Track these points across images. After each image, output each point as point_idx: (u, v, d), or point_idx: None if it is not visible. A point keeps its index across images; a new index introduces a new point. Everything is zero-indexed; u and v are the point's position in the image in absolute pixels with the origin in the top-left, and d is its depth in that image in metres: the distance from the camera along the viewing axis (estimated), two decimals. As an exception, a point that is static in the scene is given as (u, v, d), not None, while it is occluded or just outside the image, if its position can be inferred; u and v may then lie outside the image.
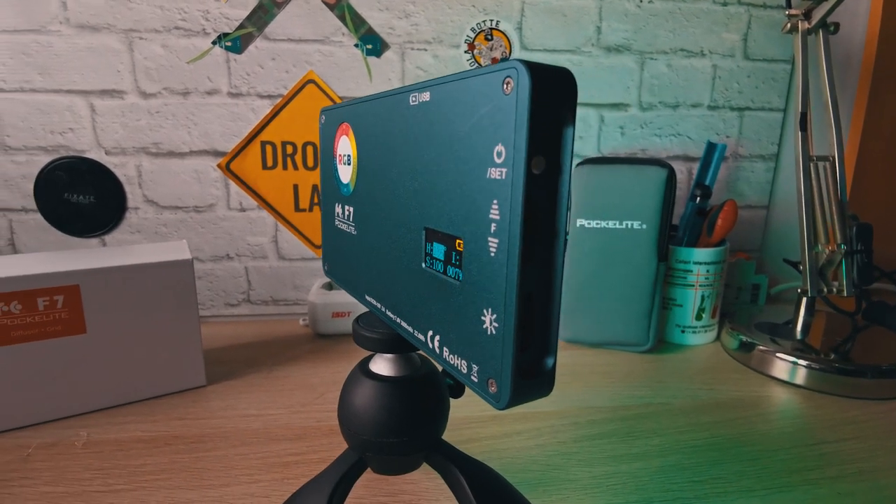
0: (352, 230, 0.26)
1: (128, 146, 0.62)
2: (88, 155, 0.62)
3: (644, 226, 0.55)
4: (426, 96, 0.18)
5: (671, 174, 0.55)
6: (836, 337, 0.57)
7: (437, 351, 0.19)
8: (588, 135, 0.68)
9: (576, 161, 0.69)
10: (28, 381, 0.42)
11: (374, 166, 0.23)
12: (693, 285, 0.59)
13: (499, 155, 0.14)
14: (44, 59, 0.59)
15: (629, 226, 0.55)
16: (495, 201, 0.15)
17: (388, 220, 0.22)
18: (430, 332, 0.19)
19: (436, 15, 0.63)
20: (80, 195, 0.64)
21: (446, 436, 0.42)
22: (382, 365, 0.24)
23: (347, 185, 0.27)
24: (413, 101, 0.19)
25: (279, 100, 0.63)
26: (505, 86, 0.14)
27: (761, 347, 0.54)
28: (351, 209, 0.26)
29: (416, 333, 0.20)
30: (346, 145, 0.26)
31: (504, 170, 0.14)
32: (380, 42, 0.63)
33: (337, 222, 0.29)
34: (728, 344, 0.59)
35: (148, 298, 0.46)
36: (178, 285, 0.48)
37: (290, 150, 0.65)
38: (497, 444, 0.41)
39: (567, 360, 0.57)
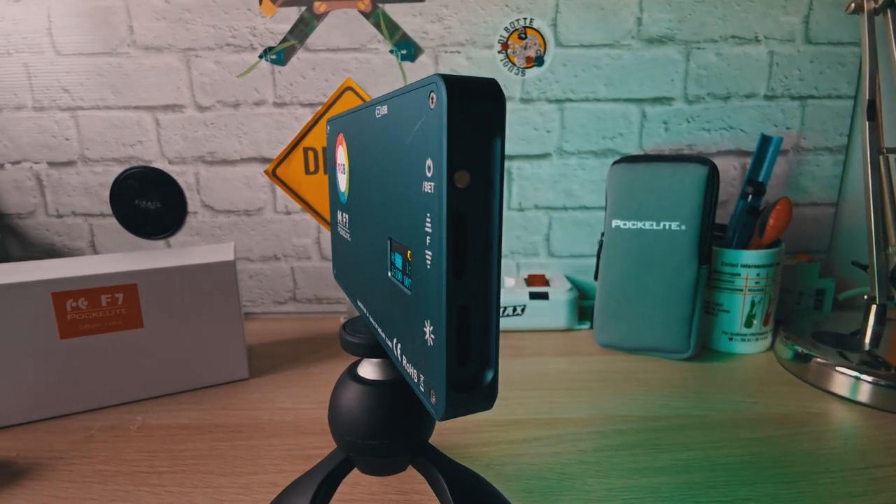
0: (348, 237, 0.27)
1: (187, 155, 0.68)
2: (155, 164, 0.68)
3: (683, 227, 0.52)
4: (385, 109, 0.18)
5: (713, 171, 0.51)
6: (911, 350, 0.51)
7: (400, 359, 0.19)
8: (629, 131, 0.66)
9: (613, 159, 0.66)
10: (94, 369, 0.48)
11: (359, 176, 0.24)
12: (741, 290, 0.55)
13: (429, 169, 0.15)
14: (115, 78, 0.65)
15: (667, 227, 0.53)
16: (428, 215, 0.15)
17: (369, 228, 0.23)
18: (395, 340, 0.20)
19: (468, 16, 0.63)
20: (148, 201, 0.70)
21: (463, 438, 0.42)
22: (368, 369, 0.25)
23: (343, 193, 0.28)
24: (378, 114, 0.19)
25: (320, 107, 0.66)
26: (430, 100, 0.14)
27: (818, 359, 0.49)
28: (346, 216, 0.27)
29: (387, 340, 0.21)
30: (342, 155, 0.27)
31: (433, 184, 0.14)
32: (414, 47, 0.64)
33: (339, 229, 0.30)
34: (782, 354, 0.54)
35: (196, 296, 0.50)
36: (221, 284, 0.51)
37: (330, 155, 0.67)
38: (514, 449, 0.41)
39: (600, 365, 0.55)
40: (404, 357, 0.19)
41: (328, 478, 0.23)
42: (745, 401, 0.47)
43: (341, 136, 0.27)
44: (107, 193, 0.69)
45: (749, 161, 0.64)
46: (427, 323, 0.16)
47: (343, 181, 0.28)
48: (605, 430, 0.43)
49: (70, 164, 0.68)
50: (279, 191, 0.69)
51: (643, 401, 0.48)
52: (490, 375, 0.16)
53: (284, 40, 0.64)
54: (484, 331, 0.15)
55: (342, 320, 0.68)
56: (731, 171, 0.67)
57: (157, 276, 0.49)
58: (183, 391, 0.51)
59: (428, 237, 0.15)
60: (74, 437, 0.43)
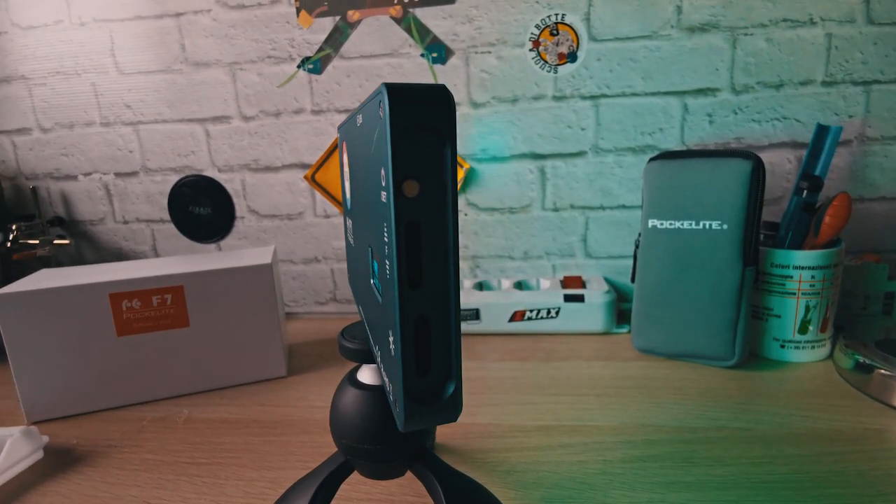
0: (352, 242, 0.28)
1: (234, 163, 0.72)
2: (206, 173, 0.73)
3: (725, 226, 0.49)
4: (361, 119, 0.19)
5: (758, 166, 0.48)
6: None
7: (380, 366, 0.19)
8: (669, 126, 0.62)
9: (651, 155, 0.63)
10: (147, 365, 0.51)
11: (355, 183, 0.24)
12: (794, 293, 0.51)
13: (383, 179, 0.15)
14: (171, 94, 0.70)
15: (707, 226, 0.49)
16: (385, 224, 0.15)
17: (361, 235, 0.23)
18: (377, 347, 0.20)
19: (499, 16, 0.62)
20: (201, 207, 0.75)
21: (486, 443, 0.42)
22: (367, 374, 0.25)
23: (349, 199, 0.28)
24: (358, 123, 0.20)
25: (355, 113, 0.68)
26: (381, 110, 0.14)
27: (883, 370, 0.45)
28: (350, 222, 0.28)
29: (374, 346, 0.21)
30: (346, 162, 0.28)
31: (385, 193, 0.14)
32: (444, 49, 0.64)
33: (347, 234, 0.30)
34: (841, 363, 0.50)
35: (237, 297, 0.53)
36: (259, 286, 0.54)
37: (365, 159, 0.69)
38: (538, 457, 0.40)
39: (636, 371, 0.53)
40: (382, 365, 0.19)
41: (327, 480, 0.24)
42: (794, 414, 0.44)
43: (344, 143, 0.28)
44: (165, 201, 0.74)
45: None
46: (391, 332, 0.16)
47: (348, 188, 0.28)
48: (634, 439, 0.41)
49: (133, 174, 0.74)
50: (318, 195, 0.71)
51: (679, 410, 0.45)
52: (451, 389, 0.15)
53: (320, 50, 0.66)
54: (444, 342, 0.15)
55: (379, 321, 0.70)
56: (785, 165, 0.62)
57: (201, 279, 0.52)
58: (226, 387, 0.54)
59: (387, 247, 0.15)
60: (128, 427, 0.47)
